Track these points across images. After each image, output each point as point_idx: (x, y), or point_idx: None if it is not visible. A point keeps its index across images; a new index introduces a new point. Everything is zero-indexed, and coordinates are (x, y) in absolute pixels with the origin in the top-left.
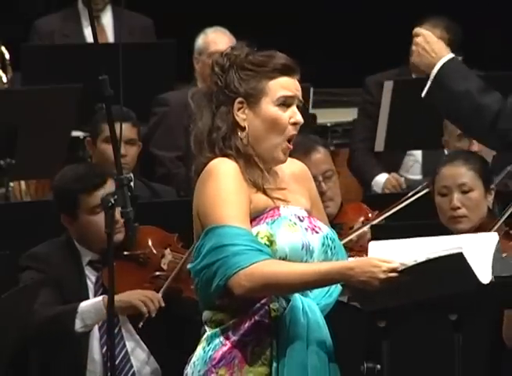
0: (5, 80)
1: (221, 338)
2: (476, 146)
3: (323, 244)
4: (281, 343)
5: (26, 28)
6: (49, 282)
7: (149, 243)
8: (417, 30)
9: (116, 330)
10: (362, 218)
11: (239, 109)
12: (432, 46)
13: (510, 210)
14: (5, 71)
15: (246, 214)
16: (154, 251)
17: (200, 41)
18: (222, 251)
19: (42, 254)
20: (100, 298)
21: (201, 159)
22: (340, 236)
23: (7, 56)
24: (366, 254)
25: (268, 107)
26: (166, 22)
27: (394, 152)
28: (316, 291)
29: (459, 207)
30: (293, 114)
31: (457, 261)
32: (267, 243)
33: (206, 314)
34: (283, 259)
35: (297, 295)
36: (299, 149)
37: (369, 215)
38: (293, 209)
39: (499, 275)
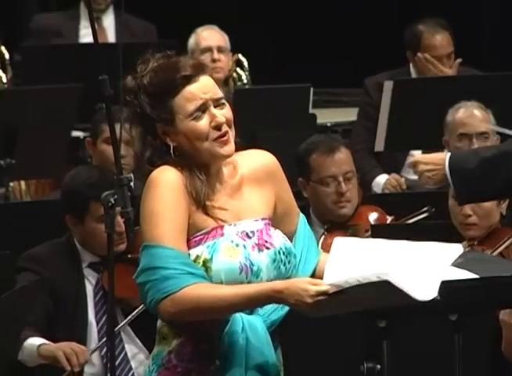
0: (4, 80)
1: (164, 361)
2: (476, 147)
3: (274, 260)
4: (221, 368)
5: (25, 28)
6: (44, 285)
7: None
8: (411, 162)
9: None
10: (377, 221)
11: (162, 133)
12: (431, 162)
13: None
14: (5, 71)
15: (182, 232)
16: None
17: (192, 40)
18: (153, 273)
19: (40, 256)
20: (39, 342)
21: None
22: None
23: (7, 56)
24: None
25: (184, 124)
26: (166, 22)
27: (396, 153)
28: (268, 306)
29: (470, 215)
30: (212, 118)
31: (386, 287)
32: (203, 269)
33: (158, 322)
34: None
35: (238, 315)
36: (322, 147)
37: (386, 217)
38: (243, 225)
39: (499, 275)
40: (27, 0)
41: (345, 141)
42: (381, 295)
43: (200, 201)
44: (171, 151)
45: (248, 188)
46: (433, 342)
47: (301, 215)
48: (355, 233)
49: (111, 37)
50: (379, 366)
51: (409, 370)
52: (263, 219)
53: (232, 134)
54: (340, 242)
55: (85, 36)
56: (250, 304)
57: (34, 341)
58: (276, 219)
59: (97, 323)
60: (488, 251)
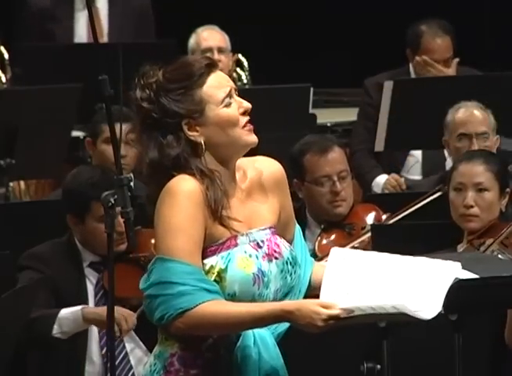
0: (4, 80)
1: (166, 364)
2: (476, 147)
3: (282, 271)
4: None
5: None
6: (47, 282)
7: (151, 245)
8: None
9: None
10: (373, 218)
11: (189, 129)
12: None
13: None
14: (4, 71)
15: (198, 246)
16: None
17: (192, 40)
18: (167, 287)
19: (42, 255)
20: (79, 307)
21: (157, 188)
22: (352, 236)
23: (6, 56)
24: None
25: (216, 112)
26: (166, 22)
27: (396, 153)
28: None
29: (472, 206)
30: (240, 104)
31: (400, 315)
32: (217, 279)
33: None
34: (232, 296)
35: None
36: (316, 147)
37: (381, 215)
38: (254, 234)
39: (499, 275)
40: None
41: (340, 141)
42: (390, 317)
43: (217, 213)
44: (203, 147)
45: (256, 195)
46: (433, 342)
47: (297, 225)
48: (351, 232)
49: (104, 20)
50: (379, 366)
51: (409, 370)
52: (270, 228)
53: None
54: (336, 253)
55: (80, 20)
56: (261, 323)
57: (73, 309)
58: (279, 228)
59: None
60: (489, 241)
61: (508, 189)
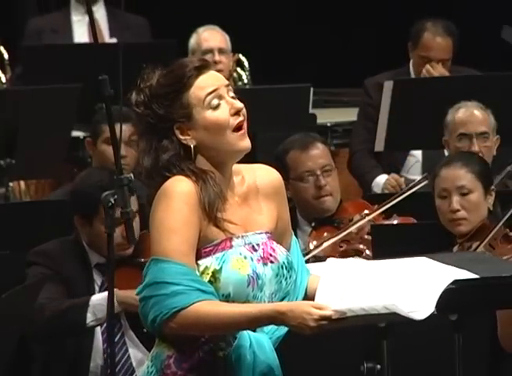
0: (3, 80)
1: (163, 366)
2: (476, 147)
3: (277, 275)
4: None
5: (21, 28)
6: (55, 278)
7: None
8: None
9: (118, 337)
10: (362, 211)
11: (181, 133)
12: None
13: (510, 213)
14: (3, 71)
15: (192, 247)
16: None
17: (193, 40)
18: (162, 287)
19: (50, 252)
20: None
21: (155, 191)
22: (340, 229)
23: (6, 56)
24: (365, 245)
25: (203, 115)
26: (166, 22)
27: (396, 153)
28: None
29: (458, 210)
30: (230, 105)
31: (392, 315)
32: (211, 279)
33: None
34: (227, 296)
35: (245, 332)
36: (297, 144)
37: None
38: (250, 238)
39: (499, 275)
40: (27, 0)
41: (323, 138)
42: (382, 318)
43: (212, 215)
44: (192, 152)
45: (254, 200)
46: (433, 342)
47: (294, 236)
48: (339, 226)
49: (104, 30)
50: (379, 366)
51: (409, 370)
52: (266, 233)
53: (246, 126)
54: (332, 262)
55: (78, 30)
56: (254, 323)
57: (104, 294)
58: (275, 237)
59: (101, 326)
60: (476, 243)
61: (493, 187)
